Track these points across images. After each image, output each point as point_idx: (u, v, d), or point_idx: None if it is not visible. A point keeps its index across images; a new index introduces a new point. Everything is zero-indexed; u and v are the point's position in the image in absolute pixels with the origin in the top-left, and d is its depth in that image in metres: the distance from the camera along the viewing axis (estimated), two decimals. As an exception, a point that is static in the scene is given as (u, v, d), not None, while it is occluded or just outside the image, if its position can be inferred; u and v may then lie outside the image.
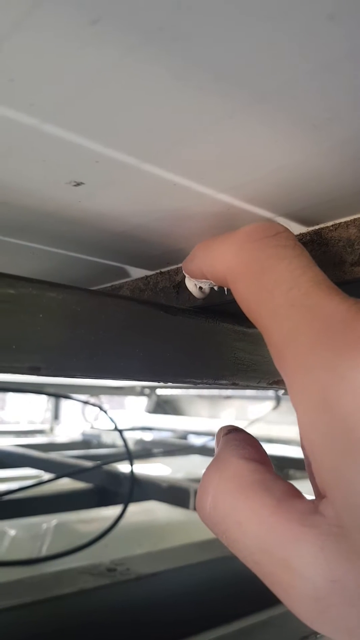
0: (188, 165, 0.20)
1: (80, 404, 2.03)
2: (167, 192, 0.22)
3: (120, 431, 1.03)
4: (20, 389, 1.35)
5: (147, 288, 0.35)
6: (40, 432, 2.07)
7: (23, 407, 2.81)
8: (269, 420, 1.66)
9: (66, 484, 1.03)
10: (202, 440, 1.66)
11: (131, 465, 0.90)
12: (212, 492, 0.19)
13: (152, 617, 0.52)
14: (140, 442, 1.70)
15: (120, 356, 0.24)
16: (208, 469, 0.20)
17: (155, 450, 1.51)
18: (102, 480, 1.01)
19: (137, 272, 0.35)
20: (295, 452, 1.28)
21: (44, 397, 2.14)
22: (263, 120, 0.17)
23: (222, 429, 0.22)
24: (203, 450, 1.53)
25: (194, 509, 0.82)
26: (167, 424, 1.96)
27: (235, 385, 0.29)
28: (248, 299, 0.19)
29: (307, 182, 0.22)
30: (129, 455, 0.92)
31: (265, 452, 0.20)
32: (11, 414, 2.95)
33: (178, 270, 0.33)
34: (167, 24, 0.13)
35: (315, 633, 0.43)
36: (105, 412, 1.13)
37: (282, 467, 1.21)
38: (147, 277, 0.35)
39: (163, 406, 2.17)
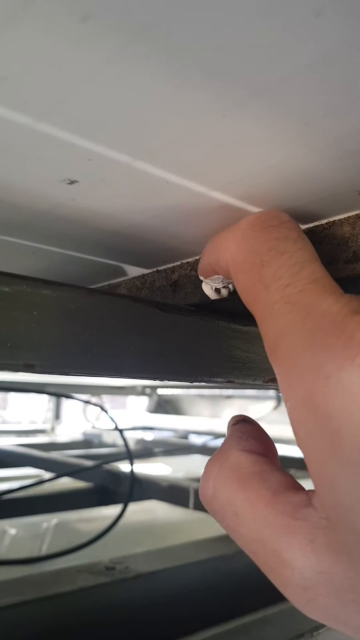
0: (180, 163, 0.20)
1: (81, 404, 2.04)
2: (160, 190, 0.22)
3: (121, 431, 1.03)
4: (22, 389, 1.36)
5: (143, 286, 0.35)
6: (42, 431, 2.07)
7: (24, 407, 2.82)
8: (270, 419, 1.66)
9: (67, 483, 1.03)
10: (202, 439, 1.66)
11: (131, 464, 0.90)
12: (212, 481, 0.19)
13: (151, 616, 0.52)
14: (141, 441, 1.71)
15: (115, 354, 0.24)
16: (210, 459, 0.21)
17: (156, 450, 1.52)
18: (103, 480, 1.01)
19: (134, 271, 0.35)
20: (297, 452, 1.28)
21: (45, 396, 2.14)
22: (256, 118, 0.17)
23: (232, 418, 0.23)
24: (204, 450, 1.53)
25: (194, 508, 0.83)
26: (168, 424, 1.97)
27: (230, 383, 0.29)
28: (247, 291, 0.19)
29: (301, 180, 0.22)
30: (130, 455, 0.92)
31: (271, 443, 0.21)
32: (13, 413, 2.96)
33: (174, 269, 0.33)
34: (158, 22, 0.13)
35: (311, 631, 0.44)
36: (106, 411, 1.13)
37: (284, 467, 1.20)
38: (143, 275, 0.35)
39: (164, 406, 2.17)
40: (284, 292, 0.17)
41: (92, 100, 0.16)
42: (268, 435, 0.21)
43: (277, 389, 0.39)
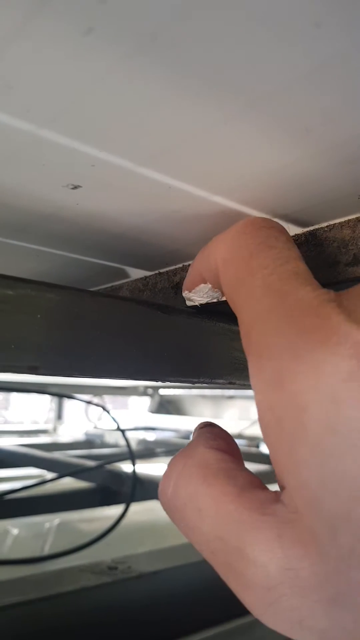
0: (182, 168, 0.21)
1: (83, 404, 2.04)
2: (162, 194, 0.23)
3: (123, 431, 1.03)
4: (24, 389, 1.36)
5: (146, 288, 0.36)
6: (44, 431, 2.07)
7: (26, 407, 2.82)
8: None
9: (69, 483, 1.03)
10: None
11: (133, 465, 0.91)
12: (174, 477, 0.19)
13: (153, 615, 0.52)
14: (143, 442, 1.71)
15: (118, 356, 0.24)
16: (175, 456, 0.20)
17: (158, 450, 1.52)
18: (105, 480, 1.01)
19: (136, 273, 0.36)
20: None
21: (47, 397, 2.14)
22: (256, 125, 0.18)
23: (198, 424, 0.22)
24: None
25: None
26: (170, 424, 1.97)
27: (232, 385, 0.30)
28: (232, 282, 0.20)
29: (302, 184, 0.22)
30: (132, 455, 0.93)
31: (237, 447, 0.20)
32: (15, 413, 2.96)
33: (176, 271, 0.34)
34: (159, 33, 0.13)
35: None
36: (108, 412, 1.13)
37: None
38: (146, 277, 0.36)
39: (166, 406, 2.18)
40: (267, 280, 0.18)
41: (95, 108, 0.17)
42: (234, 440, 0.21)
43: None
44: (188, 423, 1.94)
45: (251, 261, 0.19)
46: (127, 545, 0.69)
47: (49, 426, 2.13)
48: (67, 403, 2.19)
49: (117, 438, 1.72)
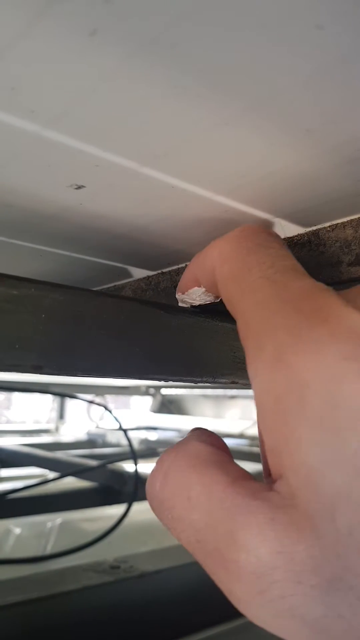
0: (185, 168, 0.21)
1: (85, 404, 2.04)
2: (165, 194, 0.23)
3: (125, 431, 1.03)
4: (26, 389, 1.36)
5: (149, 288, 0.36)
6: (46, 431, 2.07)
7: (29, 407, 2.82)
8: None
9: (71, 482, 1.04)
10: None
11: (135, 464, 0.91)
12: (165, 468, 0.18)
13: (155, 614, 0.53)
14: (145, 441, 1.71)
15: (121, 355, 0.24)
16: (166, 450, 0.20)
17: (160, 450, 1.52)
18: (107, 479, 1.02)
19: (139, 273, 0.36)
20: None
21: (49, 396, 2.14)
22: (257, 126, 0.18)
23: (191, 430, 0.22)
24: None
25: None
26: (172, 424, 1.97)
27: (234, 384, 0.30)
28: (228, 277, 0.20)
29: (304, 185, 0.22)
30: (134, 455, 0.93)
31: (228, 448, 0.20)
32: (17, 413, 2.97)
33: (179, 271, 0.34)
34: (162, 35, 0.14)
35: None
36: (110, 411, 1.13)
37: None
38: (148, 277, 0.36)
39: (168, 406, 2.18)
40: (265, 272, 0.18)
41: (98, 108, 0.17)
42: (224, 441, 0.21)
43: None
44: (190, 423, 1.94)
45: (249, 257, 0.19)
46: (129, 544, 0.69)
47: (51, 426, 2.13)
48: (69, 403, 2.19)
49: (119, 438, 1.72)
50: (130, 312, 0.25)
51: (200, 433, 0.20)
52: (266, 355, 0.16)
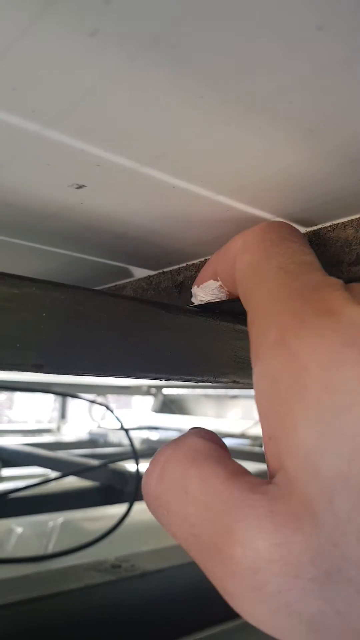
0: (186, 168, 0.21)
1: (87, 403, 2.04)
2: (166, 194, 0.23)
3: (127, 430, 1.03)
4: (28, 388, 1.36)
5: (149, 288, 0.36)
6: (48, 431, 2.08)
7: (30, 406, 2.83)
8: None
9: (73, 482, 1.04)
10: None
11: (137, 464, 0.91)
12: (162, 463, 0.18)
13: (157, 613, 0.53)
14: (146, 441, 1.71)
15: (122, 354, 0.24)
16: (163, 446, 0.19)
17: (161, 450, 1.52)
18: (108, 479, 1.02)
19: (140, 272, 0.36)
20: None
21: (51, 396, 2.15)
22: (259, 126, 0.18)
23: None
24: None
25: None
26: (174, 424, 1.97)
27: (235, 383, 0.30)
28: (247, 266, 0.21)
29: (305, 184, 0.22)
30: (135, 454, 0.93)
31: (226, 446, 0.20)
32: (19, 413, 2.97)
33: (180, 270, 0.34)
34: (163, 35, 0.14)
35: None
36: (111, 411, 1.13)
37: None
38: (149, 277, 0.36)
39: (169, 405, 2.18)
40: (282, 263, 0.19)
41: (99, 108, 0.17)
42: (222, 440, 0.21)
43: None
44: (191, 422, 1.94)
45: (271, 248, 0.20)
46: (130, 544, 0.69)
47: (53, 425, 2.13)
48: (71, 402, 2.20)
49: (120, 437, 1.72)
50: (132, 311, 0.25)
51: (198, 430, 0.20)
52: (269, 340, 0.16)
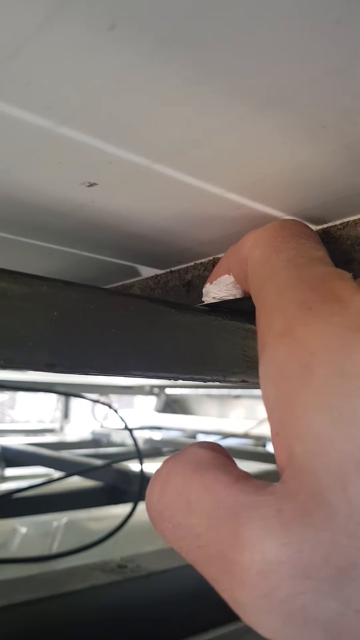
0: (198, 165, 0.21)
1: (90, 403, 2.04)
2: (177, 192, 0.23)
3: (131, 430, 1.03)
4: (31, 388, 1.36)
5: (157, 287, 0.36)
6: (50, 430, 2.07)
7: (33, 406, 2.83)
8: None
9: (76, 482, 1.04)
10: (211, 439, 1.66)
11: (141, 463, 0.91)
12: (163, 476, 0.17)
13: (163, 614, 0.53)
14: (149, 441, 1.71)
15: (133, 353, 0.24)
16: (166, 459, 0.19)
17: (165, 449, 1.52)
18: (112, 479, 1.02)
19: (147, 271, 0.36)
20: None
21: (53, 396, 2.15)
22: (273, 122, 0.18)
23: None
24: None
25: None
26: (176, 423, 1.97)
27: (244, 383, 0.30)
28: (258, 261, 0.21)
29: (316, 181, 0.22)
30: (139, 454, 0.93)
31: (229, 454, 0.19)
32: (21, 412, 2.97)
33: (188, 269, 0.34)
34: (180, 30, 0.13)
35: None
36: (115, 411, 1.13)
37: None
38: (157, 276, 0.36)
39: (172, 405, 2.18)
40: (292, 258, 0.19)
41: (114, 104, 0.17)
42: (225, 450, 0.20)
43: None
44: (194, 422, 1.94)
45: (282, 245, 0.20)
46: (134, 544, 0.69)
47: (56, 425, 2.13)
48: (74, 402, 2.20)
49: (123, 437, 1.72)
50: (142, 310, 0.25)
51: (200, 442, 0.19)
52: (275, 329, 0.16)
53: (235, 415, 1.99)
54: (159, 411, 2.16)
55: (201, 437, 1.77)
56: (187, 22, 0.13)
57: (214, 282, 0.25)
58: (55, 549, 0.70)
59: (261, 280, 0.20)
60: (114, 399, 2.10)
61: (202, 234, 0.28)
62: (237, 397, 1.94)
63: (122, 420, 1.06)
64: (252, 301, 0.20)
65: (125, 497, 0.97)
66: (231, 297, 0.25)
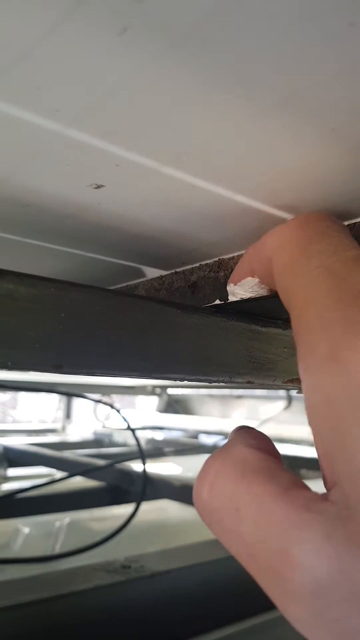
0: (207, 167, 0.21)
1: (92, 403, 2.04)
2: (185, 194, 0.23)
3: (133, 430, 1.03)
4: (33, 388, 1.36)
5: (162, 288, 0.36)
6: (53, 431, 2.08)
7: (35, 406, 2.83)
8: (281, 420, 1.66)
9: (79, 482, 1.04)
10: (213, 439, 1.66)
11: (144, 463, 0.91)
12: (211, 477, 0.17)
13: (167, 614, 0.53)
14: (151, 441, 1.71)
15: (139, 354, 0.24)
16: (211, 456, 0.19)
17: (167, 450, 1.52)
18: (115, 479, 1.02)
19: (152, 272, 0.36)
20: (307, 452, 1.28)
21: (55, 396, 2.15)
22: (283, 124, 0.18)
23: (234, 428, 0.21)
24: (214, 450, 1.53)
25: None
26: (178, 424, 1.97)
27: (250, 384, 0.30)
28: (285, 267, 0.19)
29: (325, 183, 0.22)
30: (142, 454, 0.93)
31: (276, 449, 0.19)
32: (23, 413, 2.98)
33: (193, 270, 0.34)
34: (192, 32, 0.13)
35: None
36: (118, 411, 1.13)
37: (294, 467, 1.21)
38: (162, 277, 0.36)
39: (174, 405, 2.18)
40: (325, 262, 0.17)
41: (123, 107, 0.17)
42: (272, 442, 0.20)
43: (295, 389, 0.38)
44: (196, 422, 1.94)
45: (309, 246, 0.18)
46: (137, 544, 0.69)
47: (58, 425, 2.13)
48: (76, 402, 2.20)
49: (125, 437, 1.72)
50: (149, 311, 0.25)
51: (246, 435, 0.19)
52: (319, 353, 0.15)
53: (237, 416, 1.99)
54: (160, 411, 2.16)
55: (203, 438, 1.77)
56: (201, 26, 0.13)
57: (239, 283, 0.24)
58: (58, 549, 0.70)
59: (294, 288, 0.18)
60: (116, 399, 2.10)
61: (208, 235, 0.28)
62: (239, 397, 1.94)
63: (125, 420, 1.06)
64: (278, 299, 0.20)
65: (128, 497, 0.97)
66: (259, 296, 0.24)
